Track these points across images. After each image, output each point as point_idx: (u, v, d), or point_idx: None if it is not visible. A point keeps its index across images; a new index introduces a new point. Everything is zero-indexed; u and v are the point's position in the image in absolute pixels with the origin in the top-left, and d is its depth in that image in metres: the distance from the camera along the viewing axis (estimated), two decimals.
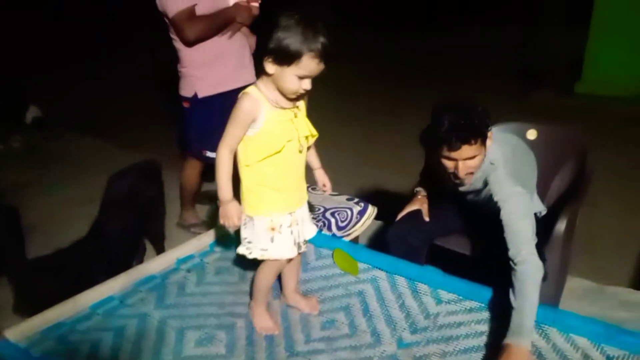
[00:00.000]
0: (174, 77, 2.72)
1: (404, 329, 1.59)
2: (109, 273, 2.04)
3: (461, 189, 1.94)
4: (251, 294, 1.68)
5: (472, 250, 2.13)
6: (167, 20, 2.54)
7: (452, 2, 9.16)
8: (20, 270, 2.19)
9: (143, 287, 1.80)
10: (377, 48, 7.49)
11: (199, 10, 2.47)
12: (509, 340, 1.46)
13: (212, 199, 3.22)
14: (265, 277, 1.61)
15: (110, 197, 2.38)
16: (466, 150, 1.70)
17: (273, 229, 1.53)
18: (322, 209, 2.34)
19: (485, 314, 1.64)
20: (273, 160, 1.49)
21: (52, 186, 3.65)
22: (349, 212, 2.35)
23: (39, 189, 3.62)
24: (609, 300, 2.39)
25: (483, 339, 1.54)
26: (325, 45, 1.37)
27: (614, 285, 2.49)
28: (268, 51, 1.38)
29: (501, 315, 1.61)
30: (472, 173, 1.78)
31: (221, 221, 1.52)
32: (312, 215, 2.29)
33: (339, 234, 2.29)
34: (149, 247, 2.63)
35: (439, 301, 1.71)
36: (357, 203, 2.41)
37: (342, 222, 2.32)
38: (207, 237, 2.09)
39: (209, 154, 2.67)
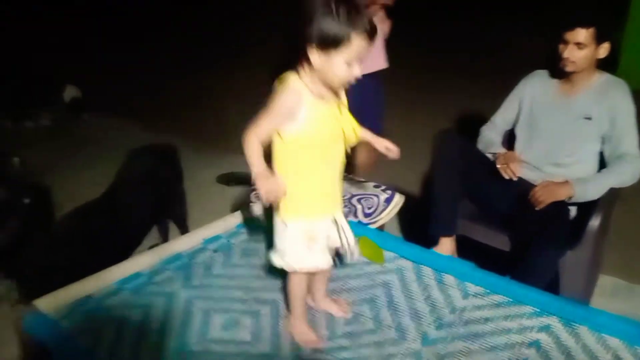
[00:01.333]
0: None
1: (429, 324, 1.57)
2: (123, 250, 2.06)
3: (570, 96, 2.13)
4: (286, 303, 1.60)
5: (500, 243, 2.10)
6: None
7: None
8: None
9: (170, 266, 1.81)
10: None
11: None
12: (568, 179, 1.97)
13: (240, 181, 3.24)
14: (298, 286, 1.52)
15: (127, 176, 2.37)
16: (579, 33, 1.96)
17: (310, 239, 1.45)
18: (348, 195, 2.33)
19: (514, 310, 1.61)
20: (316, 159, 1.41)
21: (80, 167, 3.70)
22: (376, 200, 2.33)
23: (67, 168, 3.67)
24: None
25: (511, 337, 1.51)
26: (371, 24, 1.30)
27: None
28: (311, 38, 1.29)
29: (531, 313, 1.58)
30: (574, 63, 2.01)
31: (263, 195, 1.37)
32: None
33: (365, 220, 2.27)
34: (173, 228, 2.65)
35: (465, 294, 1.68)
36: (384, 190, 2.38)
37: (369, 209, 2.30)
38: (234, 218, 2.09)
39: None
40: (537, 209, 1.96)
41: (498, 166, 2.10)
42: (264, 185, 1.35)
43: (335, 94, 1.41)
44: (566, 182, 1.99)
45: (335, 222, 1.50)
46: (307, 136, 1.38)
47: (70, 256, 2.01)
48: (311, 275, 1.57)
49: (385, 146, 1.61)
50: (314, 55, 1.32)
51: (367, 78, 2.58)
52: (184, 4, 8.88)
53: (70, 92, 4.58)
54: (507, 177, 2.08)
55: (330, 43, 1.29)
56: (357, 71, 1.34)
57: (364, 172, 2.80)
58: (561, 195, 1.97)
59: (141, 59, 6.51)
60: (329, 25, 1.28)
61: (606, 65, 2.11)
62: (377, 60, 2.61)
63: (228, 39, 7.27)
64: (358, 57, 1.32)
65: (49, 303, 1.58)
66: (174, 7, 8.78)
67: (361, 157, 2.79)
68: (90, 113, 4.69)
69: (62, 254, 2.03)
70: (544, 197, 1.97)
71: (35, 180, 2.65)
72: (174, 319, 1.58)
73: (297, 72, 1.38)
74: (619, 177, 2.01)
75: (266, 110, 1.36)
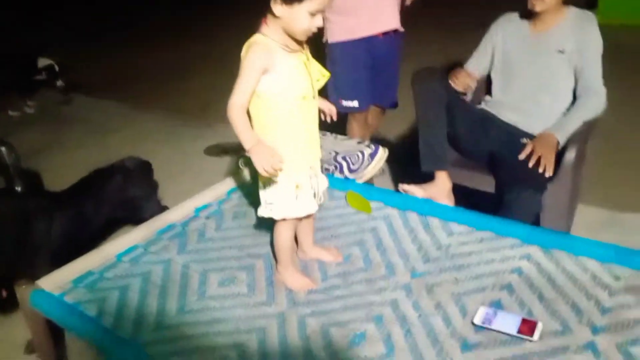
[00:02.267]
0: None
1: (417, 259, 1.65)
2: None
3: (542, 33, 2.18)
4: (272, 247, 1.65)
5: (485, 185, 2.16)
6: None
7: None
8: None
9: (165, 235, 1.87)
10: None
11: None
12: (547, 130, 2.03)
13: (228, 151, 3.28)
14: (285, 237, 1.57)
15: (97, 193, 2.32)
16: None
17: (297, 187, 1.49)
18: (333, 153, 2.37)
19: (497, 243, 1.68)
20: (296, 112, 1.44)
21: (68, 148, 3.74)
22: (360, 155, 2.38)
23: (57, 151, 3.71)
24: (623, 227, 2.42)
25: (494, 265, 1.59)
26: None
27: (629, 212, 2.51)
28: None
29: (512, 244, 1.66)
30: (543, 1, 2.06)
31: (260, 169, 1.39)
32: (323, 159, 2.34)
33: (351, 176, 2.33)
34: None
35: (450, 233, 1.75)
36: (368, 146, 2.43)
37: (354, 165, 2.35)
38: (223, 186, 2.14)
39: (344, 103, 2.64)
40: (548, 174, 1.93)
41: (450, 81, 2.19)
42: (260, 159, 1.37)
43: (300, 43, 1.45)
44: (549, 134, 2.01)
45: (311, 175, 1.55)
46: (282, 88, 1.41)
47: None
48: (297, 224, 1.62)
49: (327, 107, 1.64)
50: (278, 6, 1.35)
51: (373, 41, 2.57)
52: None
53: (43, 62, 4.49)
54: (459, 89, 2.19)
55: None
56: (320, 21, 1.38)
57: (374, 131, 2.92)
58: (554, 149, 1.98)
59: (124, 35, 6.45)
60: None
61: (584, 5, 2.15)
62: (386, 20, 2.59)
63: (211, 10, 7.18)
64: (321, 7, 1.36)
65: (52, 281, 1.64)
66: None
67: (371, 119, 2.85)
68: (73, 93, 4.67)
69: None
70: (547, 160, 1.94)
71: (25, 166, 2.68)
72: (173, 283, 1.65)
73: (262, 31, 1.41)
74: (588, 111, 2.07)
75: (241, 73, 1.39)
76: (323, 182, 1.62)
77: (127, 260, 1.77)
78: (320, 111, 1.60)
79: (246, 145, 1.39)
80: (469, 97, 2.34)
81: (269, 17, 1.39)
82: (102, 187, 2.31)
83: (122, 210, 2.38)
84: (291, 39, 1.42)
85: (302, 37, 1.42)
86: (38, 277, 1.64)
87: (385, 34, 2.60)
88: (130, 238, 1.86)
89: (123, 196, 2.35)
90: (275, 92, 1.42)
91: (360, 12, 2.53)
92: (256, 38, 1.41)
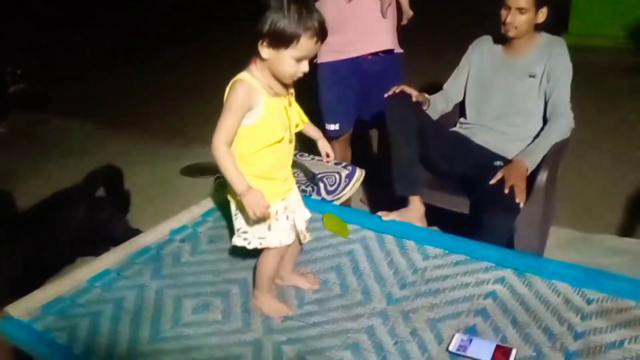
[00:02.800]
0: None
1: (393, 284, 1.65)
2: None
3: (515, 57, 2.24)
4: (254, 281, 1.63)
5: (458, 206, 2.19)
6: None
7: None
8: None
9: (139, 259, 1.84)
10: None
11: None
12: (516, 156, 2.07)
13: (204, 172, 3.26)
14: (269, 266, 1.57)
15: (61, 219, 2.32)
16: None
17: (269, 217, 1.50)
18: (310, 175, 2.38)
19: (471, 266, 1.70)
20: (268, 150, 1.45)
21: (44, 170, 3.67)
22: (337, 177, 2.39)
23: (31, 173, 3.63)
24: (595, 248, 2.45)
25: (469, 290, 1.60)
26: (321, 23, 1.34)
27: (600, 233, 2.56)
28: (261, 35, 1.34)
29: (486, 267, 1.67)
30: (516, 28, 2.13)
31: (252, 215, 1.42)
32: (300, 181, 2.35)
33: (328, 198, 2.33)
34: None
35: (425, 256, 1.76)
36: (345, 167, 2.44)
37: (331, 186, 2.36)
38: (199, 208, 2.12)
39: (327, 126, 2.60)
40: (520, 203, 1.93)
41: (389, 92, 2.19)
42: (252, 205, 1.39)
43: (285, 86, 1.46)
44: (519, 161, 2.02)
45: (289, 202, 1.56)
46: (261, 128, 1.43)
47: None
48: (284, 252, 1.62)
49: (326, 151, 1.69)
50: (264, 50, 1.36)
51: (363, 61, 2.52)
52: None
53: (13, 87, 4.45)
54: (391, 92, 2.18)
55: (279, 41, 1.34)
56: (306, 67, 1.39)
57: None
58: (525, 174, 2.00)
59: (99, 56, 6.41)
60: (279, 23, 1.32)
61: (555, 27, 2.21)
62: (377, 40, 2.51)
63: (188, 35, 7.20)
64: (307, 55, 1.37)
65: (21, 308, 1.60)
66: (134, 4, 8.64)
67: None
68: (48, 114, 4.61)
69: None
70: (519, 189, 1.93)
71: None
72: (146, 310, 1.62)
73: (250, 70, 1.43)
74: (556, 132, 2.12)
75: (225, 111, 1.40)
76: (304, 214, 1.62)
77: (99, 285, 1.73)
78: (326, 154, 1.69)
79: (238, 190, 1.41)
80: (425, 107, 2.31)
81: (258, 58, 1.40)
82: (66, 211, 2.26)
83: (89, 233, 2.33)
84: (277, 82, 1.43)
85: (288, 81, 1.43)
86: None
87: (374, 54, 2.53)
88: (102, 262, 1.82)
89: (88, 219, 2.31)
90: (250, 130, 1.43)
91: (348, 31, 2.46)
92: (242, 76, 1.42)
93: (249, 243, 1.54)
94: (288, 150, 1.53)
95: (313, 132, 1.69)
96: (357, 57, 2.51)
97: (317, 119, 2.38)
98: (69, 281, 1.72)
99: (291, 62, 1.36)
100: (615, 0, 5.34)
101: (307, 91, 1.64)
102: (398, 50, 2.60)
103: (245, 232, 1.54)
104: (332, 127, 2.63)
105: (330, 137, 2.63)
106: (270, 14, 1.32)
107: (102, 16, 8.15)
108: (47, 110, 4.67)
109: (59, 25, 7.56)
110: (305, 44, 1.34)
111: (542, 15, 2.14)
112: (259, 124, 1.42)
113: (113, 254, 1.86)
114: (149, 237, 1.95)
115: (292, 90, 1.52)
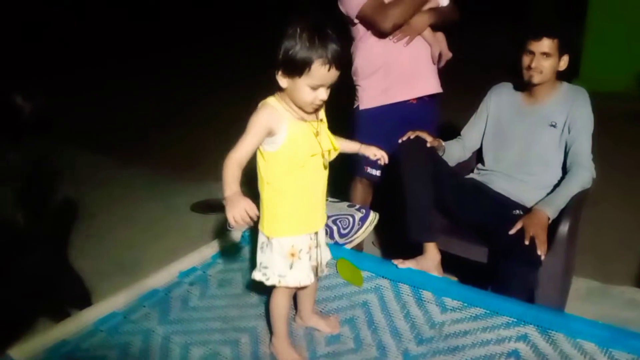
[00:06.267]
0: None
1: (410, 340, 1.58)
2: None
3: (535, 105, 2.21)
4: (269, 326, 1.59)
5: (477, 255, 2.13)
6: (353, 22, 2.35)
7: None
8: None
9: (147, 302, 1.79)
10: None
11: None
12: (537, 206, 2.00)
13: (215, 209, 3.22)
14: (281, 304, 1.53)
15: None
16: (545, 43, 2.06)
17: (293, 255, 1.46)
18: None
19: (491, 321, 1.63)
20: (296, 176, 1.42)
21: (52, 200, 3.65)
22: (351, 219, 2.34)
23: (40, 202, 3.61)
24: (614, 300, 2.39)
25: (490, 348, 1.53)
26: (335, 50, 1.31)
27: (619, 285, 2.49)
28: (277, 63, 1.33)
29: (507, 323, 1.61)
30: (541, 73, 2.10)
31: (230, 218, 1.31)
32: None
33: (341, 241, 2.28)
34: None
35: (443, 309, 1.70)
36: (358, 209, 2.40)
37: (344, 229, 2.31)
38: (209, 249, 2.08)
39: (370, 171, 2.49)
40: (542, 255, 1.88)
41: (404, 137, 2.14)
42: (232, 208, 1.30)
43: (312, 114, 1.43)
44: (539, 211, 1.96)
45: (316, 238, 1.52)
46: (287, 154, 1.40)
47: None
48: (298, 292, 1.58)
49: (373, 153, 1.64)
50: (281, 78, 1.35)
51: (409, 106, 2.43)
52: (155, 30, 8.92)
53: (25, 113, 4.46)
54: (405, 137, 2.14)
55: (292, 69, 1.32)
56: (323, 95, 1.36)
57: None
58: (546, 224, 1.94)
59: (110, 86, 6.48)
60: (292, 51, 1.30)
61: (567, 73, 2.19)
62: (423, 83, 2.43)
63: (205, 65, 7.29)
64: (322, 83, 1.34)
65: (24, 350, 1.54)
66: (142, 31, 8.80)
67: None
68: (58, 143, 4.62)
69: None
70: (540, 240, 1.88)
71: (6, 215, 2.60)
72: (152, 357, 1.56)
73: (278, 94, 1.41)
74: (577, 183, 2.07)
75: (246, 132, 1.38)
76: (326, 254, 1.59)
77: (105, 329, 1.68)
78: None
79: (225, 193, 1.34)
80: (441, 153, 2.28)
81: (279, 88, 1.39)
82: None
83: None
84: (300, 109, 1.41)
85: (308, 109, 1.40)
86: None
87: (419, 98, 2.44)
88: (109, 304, 1.76)
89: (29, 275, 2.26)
90: (277, 155, 1.41)
91: (392, 74, 2.37)
92: (268, 99, 1.42)
93: (267, 279, 1.49)
94: (321, 176, 1.48)
95: (349, 146, 1.62)
96: (403, 102, 2.42)
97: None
98: (74, 324, 1.67)
99: (307, 90, 1.34)
100: (627, 47, 5.37)
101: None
102: (440, 91, 2.52)
103: (265, 267, 1.49)
104: (375, 172, 2.50)
105: (362, 177, 2.55)
106: (284, 42, 1.31)
107: (117, 49, 8.28)
108: (56, 139, 4.66)
109: (72, 57, 7.68)
110: (318, 71, 1.31)
111: (564, 63, 2.13)
112: (284, 148, 1.39)
113: (121, 296, 1.80)
114: (158, 279, 1.90)
115: (322, 117, 1.48)
